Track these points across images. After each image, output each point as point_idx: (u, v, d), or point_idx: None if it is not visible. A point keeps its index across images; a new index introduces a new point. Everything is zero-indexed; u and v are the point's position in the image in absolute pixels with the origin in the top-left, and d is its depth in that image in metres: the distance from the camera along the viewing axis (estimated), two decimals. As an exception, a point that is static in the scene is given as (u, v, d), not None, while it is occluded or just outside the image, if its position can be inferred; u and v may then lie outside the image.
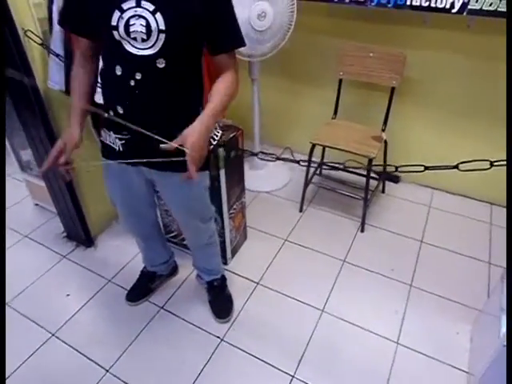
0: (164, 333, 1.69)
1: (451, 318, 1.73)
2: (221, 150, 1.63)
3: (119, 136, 1.22)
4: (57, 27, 1.55)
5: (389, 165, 1.17)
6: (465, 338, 1.66)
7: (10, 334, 1.63)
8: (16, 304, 1.82)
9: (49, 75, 1.65)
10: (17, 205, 2.45)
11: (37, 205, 2.42)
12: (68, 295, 1.87)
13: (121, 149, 1.24)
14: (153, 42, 1.04)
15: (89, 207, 2.05)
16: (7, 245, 2.13)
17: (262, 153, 1.38)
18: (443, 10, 1.79)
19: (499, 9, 1.67)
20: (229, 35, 1.16)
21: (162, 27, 1.02)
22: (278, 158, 1.34)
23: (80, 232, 2.06)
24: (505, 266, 1.85)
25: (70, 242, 2.15)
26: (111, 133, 1.23)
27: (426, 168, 1.10)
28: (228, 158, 1.70)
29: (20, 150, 2.26)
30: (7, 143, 2.22)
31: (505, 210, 2.34)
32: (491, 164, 0.99)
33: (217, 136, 1.67)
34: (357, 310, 1.77)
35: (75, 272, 1.99)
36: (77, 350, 1.63)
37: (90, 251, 2.11)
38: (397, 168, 1.14)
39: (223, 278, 1.82)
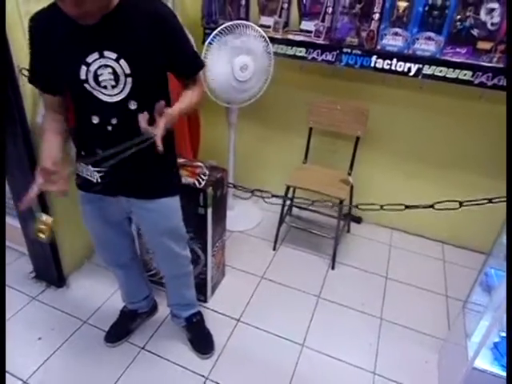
0: (147, 375, 1.65)
1: (419, 348, 1.87)
2: (210, 190, 1.71)
3: (97, 169, 1.26)
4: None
5: (372, 203, 1.32)
6: (433, 366, 1.79)
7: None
8: (-19, 350, 1.69)
9: (38, 111, 1.67)
10: (-24, 243, 2.31)
11: (0, 243, 2.29)
12: (39, 339, 1.77)
13: (99, 180, 1.28)
14: (122, 87, 1.12)
15: (63, 245, 2.00)
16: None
17: (258, 190, 1.47)
18: (402, 73, 2.07)
19: (447, 75, 1.98)
20: (190, 62, 1.27)
21: (128, 71, 1.10)
22: (273, 196, 1.44)
23: (52, 271, 1.99)
24: (461, 298, 2.06)
25: (40, 282, 2.05)
26: (89, 167, 1.27)
27: (407, 207, 1.26)
28: (215, 197, 1.78)
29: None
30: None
31: (455, 248, 2.60)
32: (460, 204, 1.16)
33: (204, 176, 1.77)
34: (334, 343, 1.85)
35: (46, 314, 1.90)
36: (52, 397, 1.54)
37: (62, 291, 2.03)
38: (382, 206, 1.29)
39: (201, 313, 1.83)
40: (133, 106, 1.16)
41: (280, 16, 2.29)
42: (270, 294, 2.12)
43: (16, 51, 1.53)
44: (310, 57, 2.24)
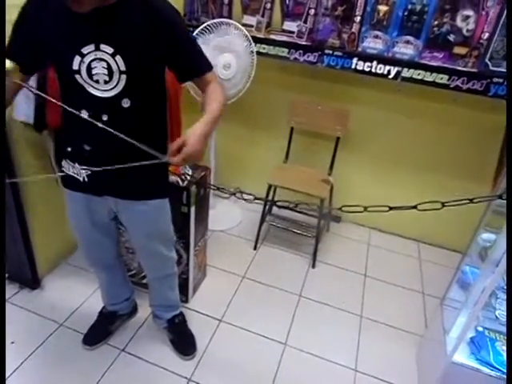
0: (128, 377, 1.61)
1: (398, 344, 1.91)
2: (193, 188, 1.69)
3: (85, 167, 1.22)
4: (31, 60, 1.53)
5: (356, 205, 1.33)
6: (412, 361, 1.83)
7: None
8: (-51, 355, 1.61)
9: (15, 106, 1.60)
10: None
11: (-32, 244, 2.19)
12: (12, 343, 1.70)
13: (86, 179, 1.24)
14: (115, 83, 1.08)
15: (38, 245, 1.92)
16: None
17: (240, 192, 1.47)
18: (381, 75, 2.12)
19: (425, 78, 2.04)
20: (195, 63, 1.19)
21: (123, 68, 1.06)
22: (256, 198, 1.44)
23: (26, 272, 1.91)
24: (437, 295, 2.12)
25: (13, 284, 1.97)
26: (76, 164, 1.23)
27: (391, 208, 1.29)
28: (198, 196, 1.76)
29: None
30: None
31: (430, 247, 2.68)
32: (443, 205, 1.20)
33: (189, 175, 1.75)
34: (316, 341, 1.87)
35: (20, 316, 1.82)
36: (28, 403, 1.48)
37: (37, 293, 1.95)
38: (366, 208, 1.31)
39: (183, 314, 1.81)
40: (126, 104, 1.12)
41: (263, 16, 2.30)
42: (252, 294, 2.12)
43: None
44: (292, 57, 2.26)
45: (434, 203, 1.22)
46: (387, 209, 1.29)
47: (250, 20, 2.33)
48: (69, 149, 1.23)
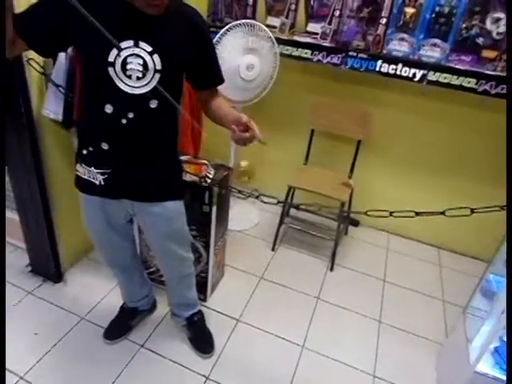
0: (147, 373, 1.63)
1: (418, 351, 1.88)
2: (215, 188, 1.70)
3: (101, 171, 1.23)
4: (61, 59, 1.57)
5: (381, 210, 1.32)
6: (431, 369, 1.80)
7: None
8: (-25, 344, 1.65)
9: (45, 103, 1.64)
10: (-31, 236, 2.25)
11: (-6, 236, 2.24)
12: (36, 334, 1.74)
13: (102, 183, 1.24)
14: (147, 81, 1.10)
15: (62, 240, 1.96)
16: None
17: (262, 195, 1.46)
18: (406, 78, 2.09)
19: (451, 82, 2.00)
20: (213, 75, 1.32)
21: (159, 67, 1.09)
22: (279, 202, 1.44)
23: (50, 266, 1.95)
24: (458, 303, 2.08)
25: (36, 277, 2.01)
26: (92, 168, 1.23)
27: (417, 214, 1.27)
28: (219, 196, 1.77)
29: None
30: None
31: (451, 253, 2.63)
32: (472, 211, 1.18)
33: (210, 174, 1.76)
34: (334, 345, 1.86)
35: (43, 309, 1.86)
36: (50, 394, 1.51)
37: (59, 287, 1.99)
38: (391, 213, 1.29)
39: (201, 312, 1.82)
40: (153, 104, 1.14)
41: (287, 17, 2.30)
42: (269, 295, 2.12)
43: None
44: (315, 59, 2.24)
45: (463, 209, 1.20)
46: (413, 214, 1.28)
47: (274, 21, 2.33)
48: (84, 151, 1.23)
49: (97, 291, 1.98)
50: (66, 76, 1.58)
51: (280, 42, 2.23)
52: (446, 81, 2.02)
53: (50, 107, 1.63)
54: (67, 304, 1.89)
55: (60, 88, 1.59)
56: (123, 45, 1.05)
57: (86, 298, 1.93)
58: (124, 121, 1.13)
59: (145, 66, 1.08)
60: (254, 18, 2.36)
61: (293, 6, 2.28)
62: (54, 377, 1.58)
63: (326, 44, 2.21)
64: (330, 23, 2.20)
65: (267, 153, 2.87)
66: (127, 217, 1.42)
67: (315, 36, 2.25)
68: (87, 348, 1.70)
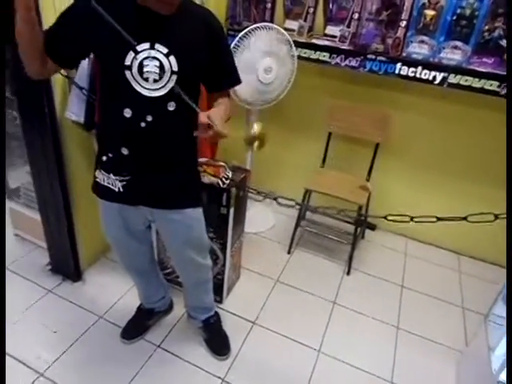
0: (163, 374, 1.64)
1: (437, 359, 1.85)
2: (233, 190, 1.70)
3: (120, 178, 1.23)
4: (84, 62, 1.60)
5: (402, 215, 1.30)
6: (451, 377, 1.76)
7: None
8: (-2, 340, 1.69)
9: (68, 106, 1.67)
10: (-7, 234, 2.31)
11: (17, 235, 2.30)
12: (55, 332, 1.77)
13: (121, 189, 1.25)
14: (164, 83, 1.10)
15: (81, 240, 1.99)
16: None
17: (280, 197, 1.46)
18: (426, 81, 2.06)
19: (473, 85, 1.97)
20: (229, 76, 1.31)
21: (175, 69, 1.10)
22: (297, 204, 1.43)
23: (69, 265, 1.99)
24: (479, 310, 2.04)
25: (56, 276, 2.05)
26: (111, 175, 1.24)
27: (438, 219, 1.25)
28: (237, 198, 1.77)
29: (8, 174, 2.19)
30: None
31: (471, 259, 2.58)
32: (496, 217, 1.15)
33: (228, 176, 1.77)
34: (351, 350, 1.83)
35: (62, 307, 1.89)
36: (68, 392, 1.53)
37: (78, 286, 2.02)
38: (412, 218, 1.27)
39: (218, 314, 1.82)
40: (171, 107, 1.14)
41: (305, 20, 2.30)
42: (285, 298, 2.11)
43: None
44: (333, 62, 2.24)
45: (486, 215, 1.17)
46: (435, 220, 1.25)
47: (292, 24, 2.34)
48: (104, 158, 1.23)
49: (114, 291, 2.00)
50: (88, 79, 1.61)
51: (298, 45, 2.23)
52: (467, 83, 1.99)
53: (72, 109, 1.67)
54: (85, 303, 1.92)
55: (83, 90, 1.62)
56: (140, 47, 1.07)
57: (103, 298, 1.96)
58: (143, 124, 1.13)
59: (161, 67, 1.08)
60: (272, 21, 2.37)
61: (311, 9, 2.28)
62: (72, 375, 1.60)
63: (345, 47, 2.21)
64: (348, 26, 2.20)
65: (283, 155, 2.87)
66: (146, 223, 1.42)
67: (333, 39, 2.25)
68: (105, 347, 1.72)
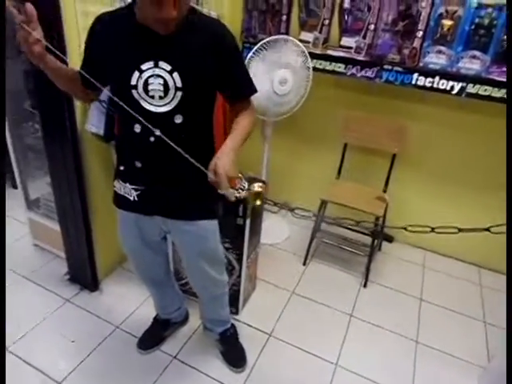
0: (179, 384, 1.64)
1: (457, 374, 1.80)
2: (250, 200, 1.70)
3: (135, 187, 1.26)
4: (104, 76, 1.64)
5: (423, 225, 1.28)
6: (473, 395, 1.71)
7: (11, 382, 1.54)
8: (17, 349, 1.71)
9: (88, 118, 1.71)
10: (13, 244, 2.35)
11: (36, 245, 2.34)
12: (73, 341, 1.78)
13: (136, 199, 1.27)
14: (170, 99, 1.11)
15: (99, 250, 2.02)
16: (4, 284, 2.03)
17: (299, 208, 1.45)
18: (444, 90, 2.05)
19: (492, 94, 1.94)
20: (242, 85, 1.25)
21: (179, 85, 1.10)
22: (314, 215, 1.42)
23: (87, 275, 2.01)
24: (501, 325, 1.97)
25: (74, 285, 2.07)
26: (127, 184, 1.27)
27: (460, 230, 1.22)
28: (253, 209, 1.77)
29: (28, 185, 2.24)
30: (17, 176, 2.21)
31: (493, 273, 2.51)
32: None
33: (244, 187, 1.76)
34: (369, 364, 1.80)
35: (80, 317, 1.91)
36: (85, 401, 1.54)
37: (96, 295, 2.04)
38: (433, 229, 1.25)
39: (234, 327, 1.81)
40: (178, 119, 1.14)
41: (320, 32, 2.32)
42: (302, 310, 2.09)
43: (72, 58, 1.56)
44: (349, 73, 2.24)
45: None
46: (456, 231, 1.23)
47: (307, 36, 2.35)
48: (121, 167, 1.27)
49: (131, 301, 2.01)
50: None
51: (313, 56, 2.24)
52: (486, 93, 1.96)
53: (92, 122, 1.70)
54: (103, 313, 1.93)
55: (103, 103, 1.66)
56: (144, 66, 1.09)
57: (120, 308, 1.97)
58: (152, 138, 1.14)
59: (165, 85, 1.09)
60: (287, 33, 2.39)
61: (326, 21, 2.30)
62: (91, 383, 1.61)
63: (361, 58, 2.21)
64: (364, 37, 2.20)
65: (298, 166, 2.87)
66: (161, 234, 1.43)
67: (349, 50, 2.25)
68: (122, 357, 1.73)
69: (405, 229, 1.32)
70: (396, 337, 1.97)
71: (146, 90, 1.10)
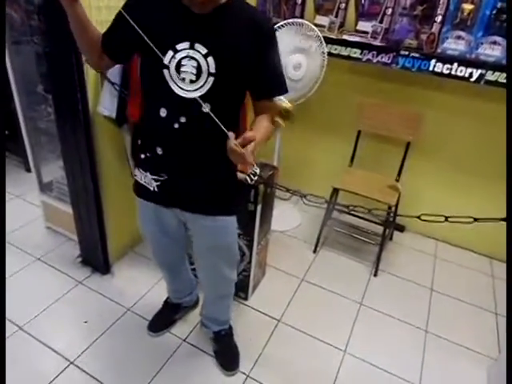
0: (189, 367, 1.65)
1: (467, 365, 1.79)
2: (261, 187, 1.70)
3: (156, 177, 1.24)
4: (117, 58, 1.63)
5: (437, 215, 1.25)
6: (482, 385, 1.71)
7: (25, 361, 1.58)
8: (31, 327, 1.75)
9: (100, 101, 1.71)
10: (26, 226, 2.39)
11: (48, 228, 2.37)
12: (86, 322, 1.81)
13: (156, 190, 1.25)
14: (201, 84, 1.07)
15: (111, 233, 2.03)
16: (18, 267, 2.07)
17: (312, 195, 1.44)
18: (462, 78, 1.99)
19: (512, 82, 1.89)
20: (272, 82, 1.18)
21: (213, 70, 1.06)
22: (326, 202, 1.41)
23: (99, 258, 2.03)
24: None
25: (86, 268, 2.10)
26: (148, 173, 1.25)
27: (475, 220, 1.20)
28: (265, 195, 1.77)
29: (41, 168, 2.26)
30: (31, 159, 2.23)
31: (505, 264, 2.48)
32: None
33: (256, 173, 1.75)
34: (378, 352, 1.80)
35: (92, 299, 1.93)
36: (97, 380, 1.56)
37: (107, 278, 2.07)
38: (447, 218, 1.23)
39: (231, 327, 1.75)
40: (205, 108, 1.08)
41: (336, 16, 2.27)
42: (311, 297, 2.09)
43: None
44: (364, 58, 2.19)
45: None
46: (471, 220, 1.20)
47: (323, 20, 2.31)
48: (142, 156, 1.24)
49: (141, 284, 2.03)
50: (120, 74, 1.64)
51: (328, 41, 2.20)
52: (506, 81, 1.90)
53: (105, 104, 1.70)
54: (114, 295, 1.96)
55: (115, 85, 1.65)
56: (179, 46, 1.05)
57: (131, 291, 1.99)
58: (176, 125, 1.11)
59: (198, 68, 1.06)
60: (302, 17, 2.35)
61: (342, 5, 2.25)
62: (101, 364, 1.63)
63: (377, 43, 2.16)
64: (381, 21, 2.15)
65: (311, 153, 2.84)
66: (180, 224, 1.41)
67: (365, 35, 2.20)
68: (132, 338, 1.75)
69: (418, 217, 1.30)
70: (405, 326, 1.96)
71: (177, 72, 1.07)
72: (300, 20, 2.11)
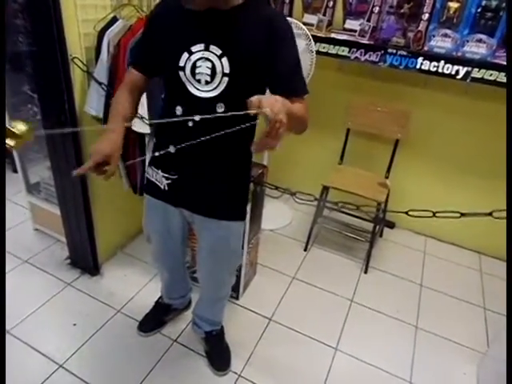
0: (180, 368, 1.64)
1: (456, 359, 1.81)
2: (251, 185, 1.69)
3: (166, 175, 1.25)
4: (104, 57, 1.61)
5: (425, 210, 1.27)
6: (471, 379, 1.72)
7: (13, 365, 1.56)
8: (19, 331, 1.72)
9: (87, 101, 1.69)
10: (14, 229, 2.35)
11: (36, 230, 2.34)
12: (74, 324, 1.79)
13: (166, 188, 1.26)
14: (215, 85, 1.08)
15: (100, 234, 2.01)
16: (6, 269, 2.03)
17: (302, 193, 1.44)
18: (448, 75, 2.01)
19: (498, 79, 1.91)
20: (290, 83, 1.13)
21: (227, 71, 1.07)
22: (316, 199, 1.41)
23: (88, 259, 2.01)
24: (500, 311, 1.98)
25: (75, 270, 2.08)
26: (159, 171, 1.26)
27: (462, 214, 1.22)
28: (255, 194, 1.76)
29: (28, 169, 2.23)
30: (17, 160, 2.19)
31: (493, 259, 2.52)
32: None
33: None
34: (369, 349, 1.81)
35: (81, 300, 1.91)
36: (87, 383, 1.54)
37: (96, 279, 2.05)
38: (435, 213, 1.24)
39: (222, 328, 1.74)
40: (220, 108, 1.10)
41: (324, 14, 2.27)
42: (302, 295, 2.09)
43: (70, 40, 1.54)
44: (352, 56, 2.20)
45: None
46: (458, 215, 1.22)
47: (311, 19, 2.31)
48: (156, 153, 1.20)
49: (132, 285, 2.02)
50: (107, 74, 1.63)
51: (317, 39, 2.19)
52: (492, 78, 1.93)
53: (91, 104, 1.68)
54: (103, 296, 1.94)
55: (102, 85, 1.63)
56: (194, 48, 1.07)
57: (121, 292, 1.97)
58: (190, 124, 1.12)
59: (213, 69, 1.07)
60: (290, 15, 2.35)
61: (330, 3, 2.25)
62: (91, 367, 1.61)
63: (365, 41, 2.17)
64: (368, 20, 2.16)
65: (300, 152, 2.84)
66: (185, 225, 1.42)
67: (353, 33, 2.21)
68: (123, 340, 1.74)
69: (406, 213, 1.31)
70: (396, 322, 1.98)
71: (193, 73, 1.08)
72: (288, 18, 2.11)
